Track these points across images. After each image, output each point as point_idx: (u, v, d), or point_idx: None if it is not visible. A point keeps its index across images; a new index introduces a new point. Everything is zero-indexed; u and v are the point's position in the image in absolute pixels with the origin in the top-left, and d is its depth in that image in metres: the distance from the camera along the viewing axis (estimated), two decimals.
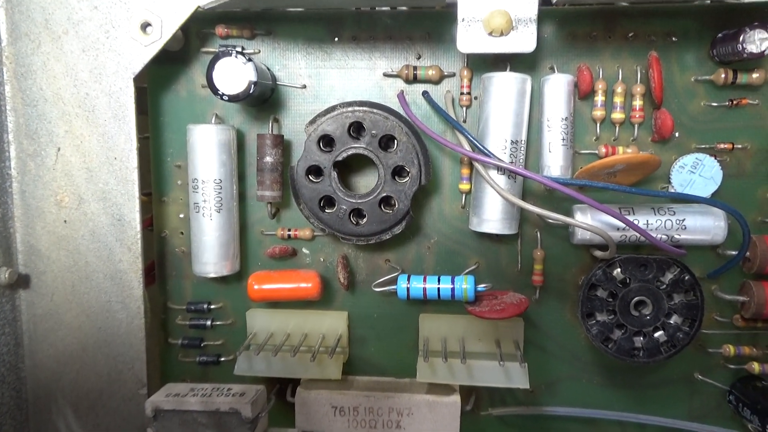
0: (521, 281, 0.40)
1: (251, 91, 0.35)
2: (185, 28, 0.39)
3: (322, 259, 0.41)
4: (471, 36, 0.33)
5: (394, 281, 0.39)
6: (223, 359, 0.41)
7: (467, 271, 0.40)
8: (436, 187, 0.40)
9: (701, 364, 0.40)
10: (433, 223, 0.40)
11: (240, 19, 0.39)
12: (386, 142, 0.36)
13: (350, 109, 0.36)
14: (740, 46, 0.34)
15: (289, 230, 0.41)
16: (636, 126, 0.38)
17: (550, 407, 0.41)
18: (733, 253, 0.37)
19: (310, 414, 0.38)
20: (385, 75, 0.39)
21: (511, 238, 0.40)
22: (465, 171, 0.39)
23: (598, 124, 0.38)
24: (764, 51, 0.34)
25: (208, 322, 0.41)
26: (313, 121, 0.37)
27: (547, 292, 0.40)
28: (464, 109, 0.39)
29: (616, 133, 0.38)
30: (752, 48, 0.34)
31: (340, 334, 0.40)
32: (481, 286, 0.38)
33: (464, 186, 0.39)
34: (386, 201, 0.37)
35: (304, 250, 0.41)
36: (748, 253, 0.37)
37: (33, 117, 0.37)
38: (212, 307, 0.42)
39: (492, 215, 0.37)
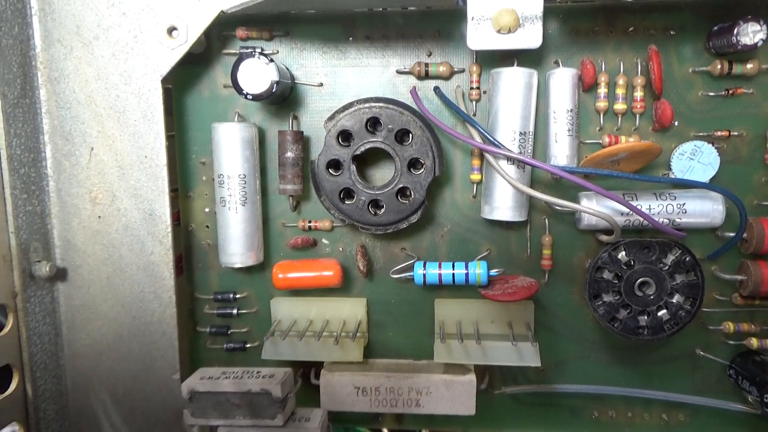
0: (531, 266, 0.42)
1: (274, 90, 0.37)
2: (207, 31, 0.41)
3: (341, 249, 0.43)
4: (480, 34, 0.35)
5: (410, 268, 0.41)
6: (248, 345, 0.44)
7: (480, 257, 0.42)
8: (448, 179, 0.42)
9: (702, 341, 0.42)
10: (446, 213, 0.43)
11: (259, 21, 0.41)
12: (401, 136, 0.38)
13: (367, 105, 0.38)
14: (734, 38, 0.36)
15: (310, 222, 0.43)
16: (637, 116, 0.40)
17: (559, 384, 0.43)
18: (731, 234, 0.39)
19: (334, 394, 0.40)
20: (398, 72, 0.41)
21: (520, 225, 0.42)
22: (476, 162, 0.41)
23: (601, 115, 0.40)
24: (757, 43, 0.36)
25: (234, 311, 0.44)
26: (331, 118, 0.39)
27: (555, 276, 0.42)
28: (474, 103, 0.41)
29: (619, 123, 0.40)
30: (746, 40, 0.36)
31: (360, 320, 0.43)
32: (493, 271, 0.40)
33: (475, 176, 0.41)
34: (402, 192, 0.39)
35: (324, 241, 0.43)
36: (745, 235, 0.39)
37: (67, 119, 0.39)
38: (238, 296, 0.44)
39: (502, 203, 0.39)
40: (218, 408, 0.36)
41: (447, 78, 0.41)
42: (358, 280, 0.44)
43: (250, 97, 0.37)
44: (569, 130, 0.39)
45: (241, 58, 0.37)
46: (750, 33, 0.36)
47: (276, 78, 0.37)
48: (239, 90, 0.37)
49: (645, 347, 0.42)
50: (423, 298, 0.43)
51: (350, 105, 0.39)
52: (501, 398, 0.44)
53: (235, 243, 0.40)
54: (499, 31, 0.35)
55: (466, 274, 0.40)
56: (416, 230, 0.43)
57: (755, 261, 0.39)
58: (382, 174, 0.42)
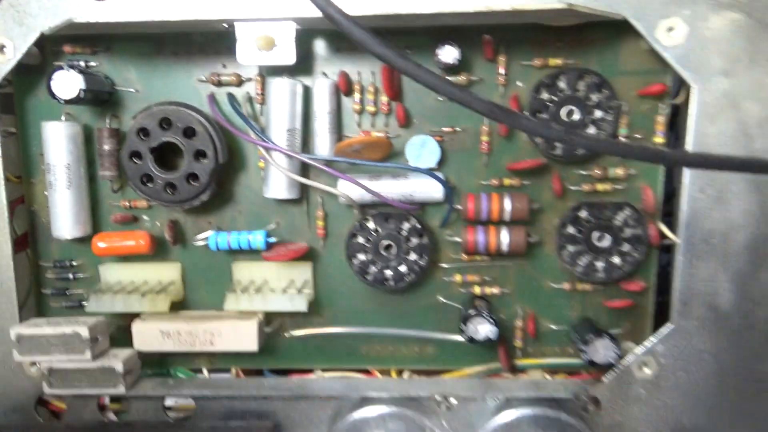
0: (310, 235, 0.53)
1: (82, 96, 0.47)
2: (42, 46, 0.50)
3: (158, 224, 0.53)
4: (247, 51, 0.46)
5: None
6: (84, 303, 0.53)
7: (267, 228, 0.53)
8: (243, 165, 0.53)
9: (443, 290, 0.53)
10: (242, 192, 0.53)
11: (84, 38, 0.51)
12: (190, 132, 0.49)
13: (162, 107, 0.48)
14: (437, 59, 0.47)
15: (129, 201, 0.53)
16: (384, 116, 0.51)
17: (335, 327, 0.54)
18: (458, 207, 0.51)
19: (143, 338, 0.50)
20: (199, 81, 0.52)
21: (299, 202, 0.53)
22: (260, 152, 0.52)
23: (358, 116, 0.51)
24: (452, 63, 0.47)
25: (71, 275, 0.54)
26: (134, 117, 0.49)
27: (328, 242, 0.53)
28: (260, 106, 0.52)
29: (372, 121, 0.52)
30: (445, 59, 0.47)
31: (173, 281, 0.53)
32: (270, 238, 0.51)
33: (261, 164, 0.52)
34: (193, 176, 0.49)
35: (144, 217, 0.53)
36: (460, 206, 0.50)
37: None
38: (74, 263, 0.54)
39: (277, 185, 0.50)
40: (39, 347, 0.46)
41: (238, 85, 0.52)
42: (173, 249, 0.54)
43: (62, 101, 0.47)
44: (329, 128, 0.50)
45: (53, 70, 0.47)
46: (446, 56, 0.47)
47: (83, 86, 0.47)
48: (53, 96, 0.47)
49: (401, 296, 0.54)
50: (224, 261, 0.54)
51: (149, 107, 0.49)
52: (290, 340, 0.55)
53: (63, 219, 0.50)
54: (260, 50, 0.46)
55: (248, 241, 0.50)
56: (219, 207, 0.53)
57: (467, 226, 0.51)
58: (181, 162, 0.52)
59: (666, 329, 0.48)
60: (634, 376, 0.49)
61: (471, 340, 0.49)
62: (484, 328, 0.48)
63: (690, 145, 0.45)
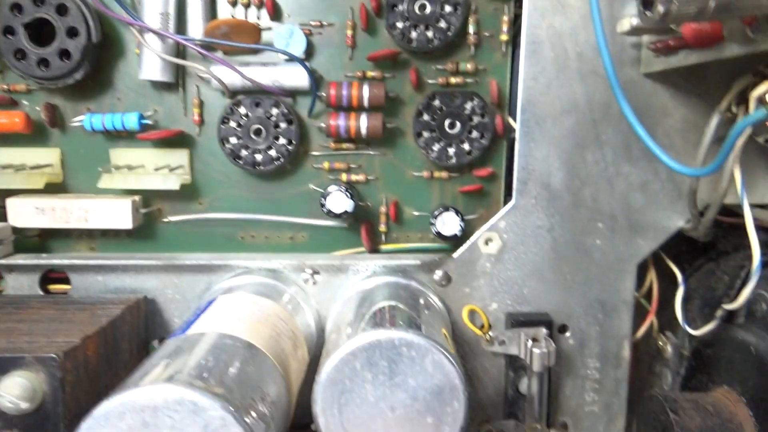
0: (187, 122, 0.56)
1: None
2: None
3: (37, 108, 0.55)
4: None
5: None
6: None
7: (148, 113, 0.55)
8: (121, 51, 0.55)
9: (313, 178, 0.57)
10: (121, 78, 0.55)
11: None
12: (63, 9, 0.50)
13: None
14: None
15: (8, 85, 0.54)
16: (256, 8, 0.54)
17: (212, 213, 0.57)
18: (321, 94, 0.55)
19: (18, 213, 0.52)
20: None
21: (178, 89, 0.55)
22: (134, 34, 0.54)
23: (231, 7, 0.54)
24: None
25: None
26: None
27: (204, 129, 0.56)
28: None
29: (245, 13, 0.55)
30: None
31: (51, 163, 0.55)
32: (145, 120, 0.53)
33: (137, 50, 0.54)
34: (66, 54, 0.51)
35: (24, 102, 0.55)
36: (323, 93, 0.54)
37: None
38: None
39: (151, 66, 0.53)
40: None
41: None
42: (53, 132, 0.56)
43: None
44: (202, 15, 0.53)
45: None
46: None
47: None
48: None
49: (275, 183, 0.57)
50: (102, 147, 0.56)
51: None
52: (169, 224, 0.58)
53: None
54: None
55: (122, 121, 0.53)
56: (98, 93, 0.55)
57: (330, 113, 0.54)
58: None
59: (507, 207, 0.53)
60: (479, 251, 0.54)
61: (330, 213, 0.53)
62: (341, 202, 0.52)
63: (524, 36, 0.50)
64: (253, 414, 0.32)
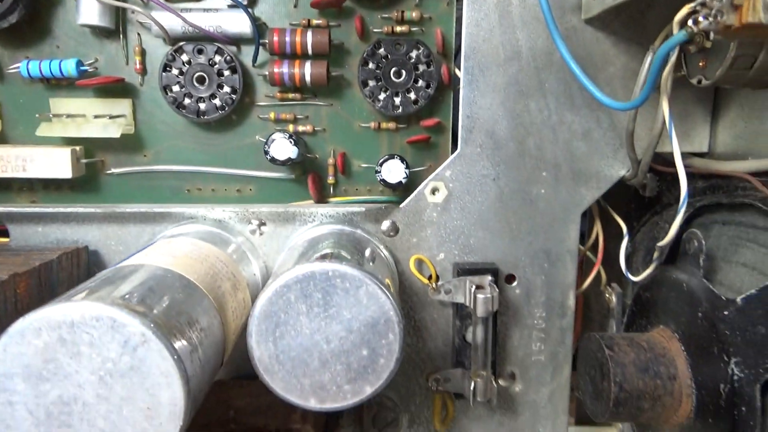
0: (129, 70, 0.55)
1: None
2: None
3: None
4: None
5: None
6: None
7: (89, 62, 0.54)
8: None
9: (260, 129, 0.57)
10: (60, 25, 0.54)
11: None
12: None
13: None
14: None
15: None
16: None
17: (158, 166, 0.56)
18: (264, 41, 0.54)
19: None
20: None
21: (119, 37, 0.54)
22: None
23: None
24: None
25: None
26: None
27: (147, 78, 0.55)
28: None
29: None
30: None
31: None
32: (84, 67, 0.52)
33: None
34: None
35: None
36: (267, 41, 0.53)
37: None
38: None
39: (89, 10, 0.51)
40: None
41: None
42: None
43: None
44: None
45: None
46: None
47: None
48: None
49: (221, 135, 0.56)
50: (42, 96, 0.54)
51: None
52: (112, 177, 0.57)
53: None
54: None
55: (60, 67, 0.52)
56: (37, 41, 0.54)
57: (273, 61, 0.54)
58: None
59: (453, 156, 0.53)
60: (426, 201, 0.54)
61: (273, 160, 0.52)
62: (285, 149, 0.52)
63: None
64: (178, 335, 0.32)
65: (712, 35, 0.33)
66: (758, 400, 0.37)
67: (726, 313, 0.39)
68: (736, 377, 0.38)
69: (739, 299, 0.39)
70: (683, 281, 0.45)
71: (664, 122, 0.44)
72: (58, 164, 0.52)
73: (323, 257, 0.43)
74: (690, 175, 0.54)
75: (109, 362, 0.30)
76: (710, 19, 0.32)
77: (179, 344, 0.32)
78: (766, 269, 0.41)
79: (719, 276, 0.45)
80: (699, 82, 0.45)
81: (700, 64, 0.44)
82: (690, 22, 0.33)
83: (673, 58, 0.36)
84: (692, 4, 0.33)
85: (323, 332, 0.39)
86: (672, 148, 0.39)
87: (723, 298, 0.40)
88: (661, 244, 0.45)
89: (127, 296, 0.32)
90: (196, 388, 0.32)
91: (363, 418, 0.57)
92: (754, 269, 0.42)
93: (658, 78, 0.36)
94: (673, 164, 0.55)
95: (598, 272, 0.62)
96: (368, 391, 0.40)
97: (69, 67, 0.52)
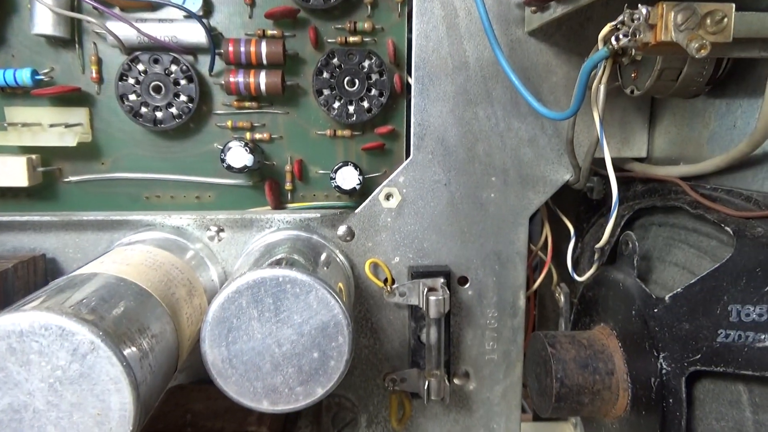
0: (85, 79, 0.55)
1: None
2: None
3: None
4: None
5: None
6: None
7: (45, 72, 0.54)
8: (14, 5, 0.54)
9: (218, 137, 0.58)
10: (15, 34, 0.54)
11: None
12: None
13: None
14: None
15: None
16: None
17: (117, 173, 0.57)
18: (220, 51, 0.55)
19: None
20: None
21: (74, 47, 0.55)
22: None
23: None
24: None
25: None
26: None
27: (104, 87, 0.56)
28: None
29: None
30: None
31: None
32: (39, 76, 0.53)
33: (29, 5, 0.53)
34: None
35: None
36: (222, 51, 0.55)
37: None
38: None
39: (43, 20, 0.52)
40: None
41: None
42: None
43: None
44: None
45: None
46: None
47: None
48: None
49: (179, 143, 0.57)
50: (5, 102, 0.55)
51: None
52: (70, 185, 0.57)
53: None
54: None
55: (15, 76, 0.52)
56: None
57: (229, 70, 0.55)
58: None
59: (406, 162, 0.55)
60: (380, 206, 0.56)
61: (230, 167, 0.54)
62: (241, 157, 0.53)
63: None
64: (128, 342, 0.33)
65: (633, 51, 0.35)
66: (683, 392, 0.40)
67: (656, 310, 0.42)
68: (664, 371, 0.41)
69: (667, 297, 0.41)
70: (620, 281, 0.47)
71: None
72: (13, 173, 0.52)
73: (276, 263, 0.44)
74: (631, 179, 0.57)
75: (58, 370, 0.31)
76: (629, 36, 0.34)
77: (129, 351, 0.33)
78: (694, 268, 0.44)
79: (654, 275, 0.47)
80: (632, 92, 0.48)
81: (633, 75, 0.47)
82: (612, 39, 0.35)
83: (601, 72, 0.38)
84: (613, 23, 0.35)
85: (275, 336, 0.40)
86: (604, 155, 0.41)
87: (653, 296, 0.42)
88: (597, 246, 0.47)
89: (78, 305, 0.33)
90: (147, 393, 0.33)
91: (321, 419, 0.59)
92: (684, 268, 0.45)
93: (586, 90, 0.38)
94: (619, 169, 0.58)
95: (551, 272, 0.65)
96: (319, 392, 0.41)
97: (24, 76, 0.52)
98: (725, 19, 0.33)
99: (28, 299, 0.35)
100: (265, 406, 0.41)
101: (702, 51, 0.32)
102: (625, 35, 0.34)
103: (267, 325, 0.40)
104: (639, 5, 0.34)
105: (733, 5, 0.34)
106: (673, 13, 0.33)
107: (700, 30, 0.33)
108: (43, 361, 0.30)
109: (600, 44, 0.36)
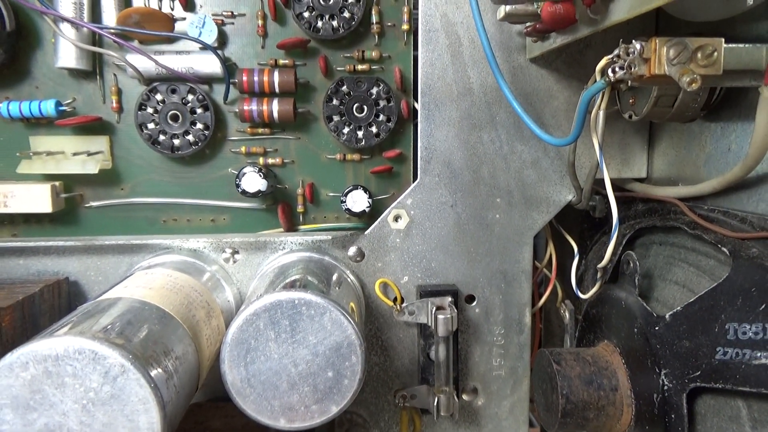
0: (106, 109, 0.58)
1: None
2: None
3: None
4: None
5: None
6: None
7: (67, 102, 0.57)
8: (38, 40, 0.56)
9: (232, 162, 0.60)
10: (39, 67, 0.57)
11: None
12: None
13: None
14: None
15: None
16: (170, 0, 0.57)
17: (136, 198, 0.59)
18: (234, 80, 0.57)
19: None
20: None
21: (95, 78, 0.57)
22: (48, 22, 0.56)
23: None
24: None
25: None
26: None
27: (123, 116, 0.58)
28: None
29: (159, 5, 0.57)
30: None
31: None
32: (62, 107, 0.55)
33: (53, 39, 0.56)
34: None
35: None
36: (236, 80, 0.57)
37: None
38: None
39: (66, 54, 0.55)
40: None
41: None
42: None
43: None
44: (115, 5, 0.55)
45: None
46: None
47: None
48: None
49: (195, 168, 0.60)
50: (22, 135, 0.57)
51: None
52: (91, 210, 0.59)
53: None
54: None
55: (39, 107, 0.54)
56: (16, 82, 0.56)
57: (243, 99, 0.57)
58: None
59: (413, 185, 0.57)
60: (389, 227, 0.58)
61: (244, 192, 0.56)
62: (255, 182, 0.56)
63: (420, 25, 0.54)
64: (155, 364, 0.35)
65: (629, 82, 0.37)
66: (684, 408, 0.41)
67: (657, 328, 0.43)
68: (666, 387, 0.42)
69: (667, 315, 0.43)
70: (622, 299, 0.49)
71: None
72: (38, 199, 0.55)
73: (291, 284, 0.46)
74: (632, 199, 0.59)
75: (91, 392, 0.32)
76: (625, 69, 0.36)
77: (155, 372, 0.35)
78: (694, 287, 0.45)
79: (656, 293, 0.49)
80: (630, 117, 0.50)
81: (631, 101, 0.49)
82: (609, 71, 0.37)
83: (600, 100, 0.40)
84: (610, 56, 0.37)
85: (291, 356, 0.42)
86: (603, 176, 0.43)
87: (654, 314, 0.44)
88: (600, 266, 0.49)
89: (106, 329, 0.35)
90: (172, 413, 0.35)
91: None
92: (684, 287, 0.46)
93: (586, 118, 0.40)
94: (620, 189, 0.60)
95: (556, 289, 0.66)
96: (334, 410, 0.43)
97: (48, 107, 0.54)
98: (715, 53, 0.35)
99: (59, 324, 0.37)
100: (282, 424, 0.42)
101: (693, 85, 0.34)
102: (621, 68, 0.36)
103: (283, 345, 0.42)
104: (633, 40, 0.36)
105: (723, 39, 0.36)
106: (665, 48, 0.35)
107: (691, 64, 0.35)
108: (77, 383, 0.32)
109: (598, 76, 0.38)
